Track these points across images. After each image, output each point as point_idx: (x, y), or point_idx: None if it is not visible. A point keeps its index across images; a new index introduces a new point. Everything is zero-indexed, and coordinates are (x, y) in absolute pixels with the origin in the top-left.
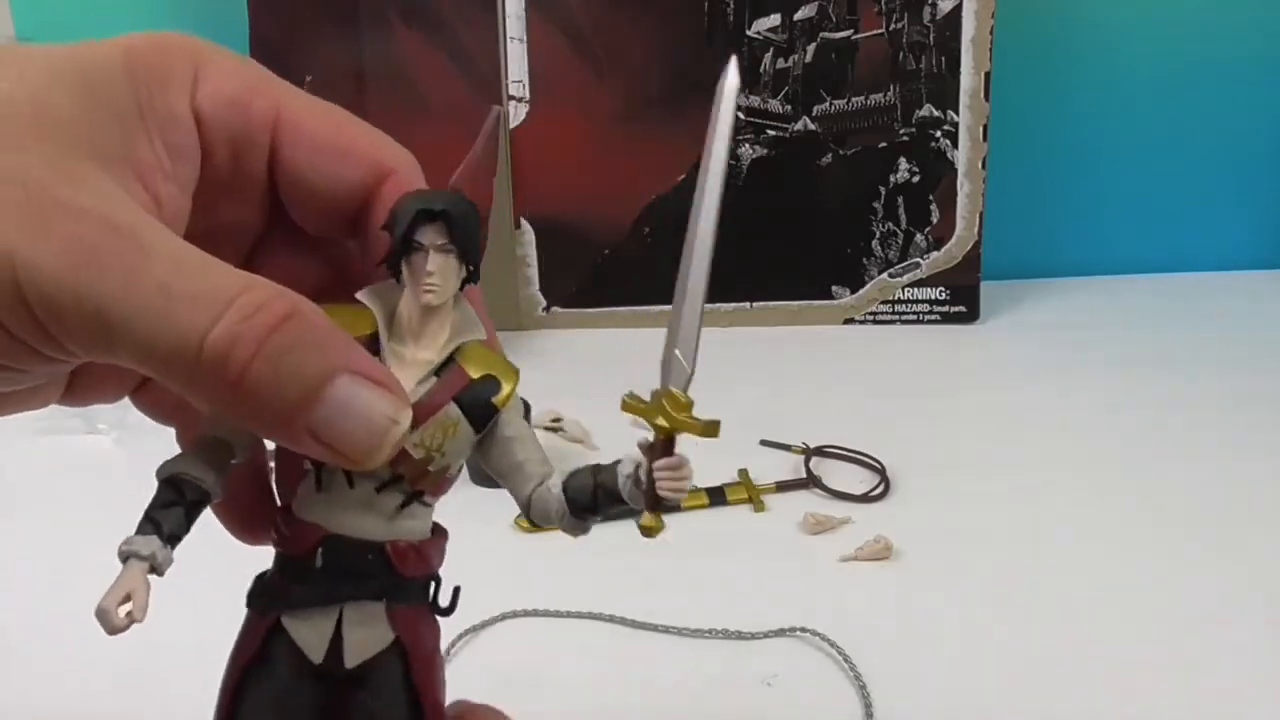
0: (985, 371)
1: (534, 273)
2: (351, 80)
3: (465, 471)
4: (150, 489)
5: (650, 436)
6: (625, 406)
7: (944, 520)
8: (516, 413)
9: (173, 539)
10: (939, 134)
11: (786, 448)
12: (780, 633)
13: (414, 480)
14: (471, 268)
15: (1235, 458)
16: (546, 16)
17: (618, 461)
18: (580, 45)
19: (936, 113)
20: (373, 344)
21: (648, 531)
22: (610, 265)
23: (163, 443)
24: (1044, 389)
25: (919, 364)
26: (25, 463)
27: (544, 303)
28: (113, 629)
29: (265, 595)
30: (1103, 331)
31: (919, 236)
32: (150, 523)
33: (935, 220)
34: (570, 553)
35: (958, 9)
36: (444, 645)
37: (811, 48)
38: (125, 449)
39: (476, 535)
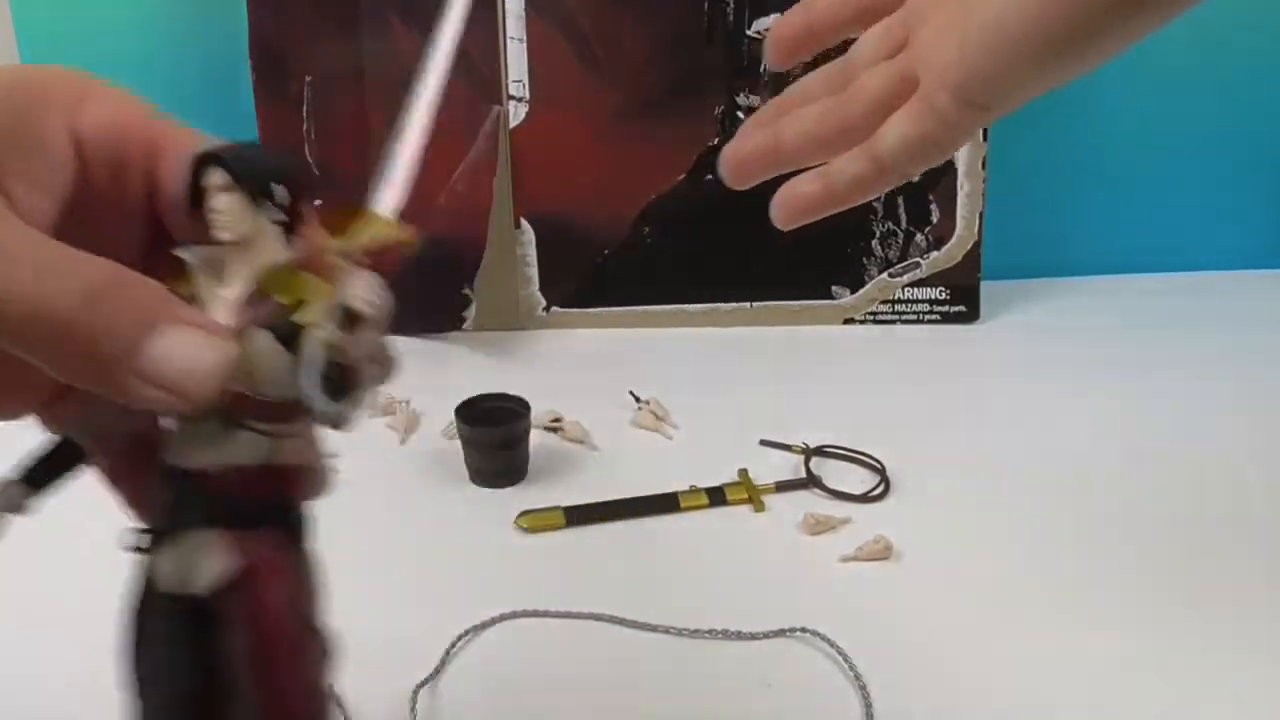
0: (985, 371)
1: (534, 273)
2: (351, 80)
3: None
4: None
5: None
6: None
7: (944, 520)
8: (321, 330)
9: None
10: None
11: (786, 448)
12: (780, 633)
13: (231, 407)
14: (272, 202)
15: (1238, 457)
16: (546, 16)
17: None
18: (580, 45)
19: None
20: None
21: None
22: (610, 265)
23: None
24: (1044, 389)
25: (919, 364)
26: None
27: (544, 303)
28: None
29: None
30: (1103, 331)
31: (919, 236)
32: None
33: (935, 220)
34: (570, 553)
35: None
36: (443, 646)
37: None
38: None
39: (476, 535)
